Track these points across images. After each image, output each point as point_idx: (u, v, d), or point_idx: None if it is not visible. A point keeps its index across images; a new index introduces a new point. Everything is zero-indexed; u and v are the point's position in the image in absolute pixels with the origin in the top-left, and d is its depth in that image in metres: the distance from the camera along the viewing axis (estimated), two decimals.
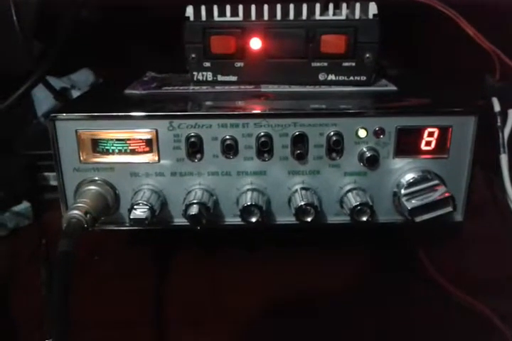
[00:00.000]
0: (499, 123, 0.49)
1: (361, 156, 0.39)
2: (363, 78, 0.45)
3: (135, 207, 0.38)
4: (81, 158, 0.39)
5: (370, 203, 0.38)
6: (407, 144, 0.39)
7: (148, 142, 0.39)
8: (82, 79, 0.69)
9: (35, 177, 0.55)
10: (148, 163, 0.40)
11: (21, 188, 0.53)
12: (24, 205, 0.51)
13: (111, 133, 0.39)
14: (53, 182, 0.54)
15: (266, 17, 0.44)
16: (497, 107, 0.49)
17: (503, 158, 0.47)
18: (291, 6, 0.44)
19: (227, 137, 0.39)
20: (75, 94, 0.65)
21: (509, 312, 0.41)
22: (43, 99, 0.64)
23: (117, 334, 0.41)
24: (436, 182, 0.39)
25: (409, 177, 0.40)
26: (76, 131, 0.39)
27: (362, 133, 0.39)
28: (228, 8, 0.44)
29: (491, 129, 0.50)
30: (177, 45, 0.46)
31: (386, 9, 0.44)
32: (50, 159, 0.41)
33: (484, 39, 0.50)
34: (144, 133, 0.39)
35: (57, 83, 0.63)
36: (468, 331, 0.41)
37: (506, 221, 0.48)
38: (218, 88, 0.46)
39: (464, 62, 0.57)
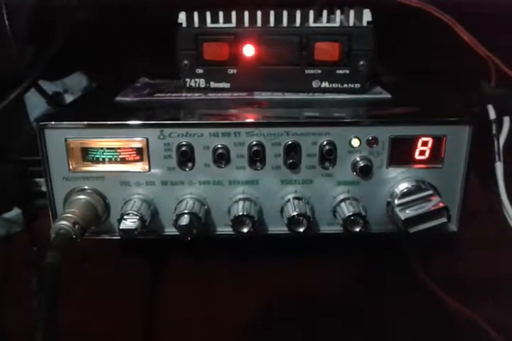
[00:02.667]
0: (494, 131, 0.48)
1: (354, 166, 0.39)
2: (357, 86, 0.44)
3: (125, 217, 0.38)
4: (70, 167, 0.39)
5: (363, 213, 0.38)
6: (400, 154, 0.39)
7: (139, 151, 0.39)
8: (75, 83, 0.68)
9: (26, 183, 0.54)
10: (138, 171, 0.39)
11: (12, 194, 0.52)
12: (15, 212, 0.51)
13: (101, 141, 0.38)
14: (45, 188, 0.54)
15: (259, 24, 0.44)
16: (492, 115, 0.49)
17: (498, 167, 0.47)
18: (285, 13, 0.44)
19: (219, 146, 0.39)
20: (68, 98, 0.65)
21: (504, 323, 0.41)
22: (35, 104, 0.63)
23: None
24: (430, 192, 0.39)
25: (403, 187, 0.39)
26: (65, 140, 0.38)
27: (355, 142, 0.39)
28: (221, 14, 0.44)
29: (486, 137, 0.49)
30: (171, 50, 0.46)
31: (382, 15, 0.43)
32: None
33: (480, 45, 0.49)
34: (134, 141, 0.39)
35: (50, 87, 0.63)
36: (461, 338, 0.41)
37: (502, 229, 0.48)
38: (211, 95, 0.46)
39: (460, 69, 0.57)
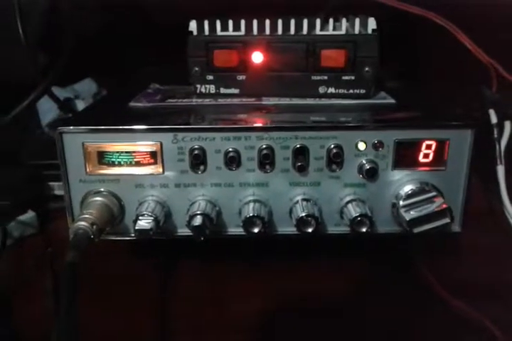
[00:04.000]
0: (496, 135, 0.49)
1: (361, 168, 0.40)
2: (362, 91, 0.46)
3: (140, 218, 0.39)
4: (87, 170, 0.40)
5: (370, 214, 0.39)
6: (405, 157, 0.40)
7: (153, 154, 0.40)
8: (85, 89, 0.69)
9: (40, 186, 0.55)
10: (152, 174, 0.40)
11: (26, 198, 0.53)
12: (29, 214, 0.52)
13: (116, 145, 0.40)
14: (58, 192, 0.55)
15: (267, 32, 0.45)
16: (494, 119, 0.50)
17: (500, 169, 0.48)
18: (292, 21, 0.45)
19: (230, 149, 0.40)
20: (79, 103, 0.66)
21: (506, 321, 0.42)
22: (47, 109, 0.64)
23: None
24: (434, 193, 0.40)
25: (408, 188, 0.40)
26: (83, 144, 0.40)
27: (361, 145, 0.40)
28: (231, 22, 0.45)
29: (488, 140, 0.50)
30: (179, 57, 0.47)
31: (386, 22, 0.45)
32: (55, 169, 0.42)
33: (482, 52, 0.50)
34: (148, 145, 0.40)
35: (61, 93, 0.64)
36: (467, 338, 0.42)
37: (503, 231, 0.49)
38: (221, 100, 0.47)
39: (462, 75, 0.58)
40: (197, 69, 0.46)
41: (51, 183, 0.55)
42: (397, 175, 0.41)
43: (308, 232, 0.39)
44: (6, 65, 0.61)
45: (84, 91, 0.69)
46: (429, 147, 0.40)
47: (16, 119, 0.52)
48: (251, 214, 0.39)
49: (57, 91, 0.61)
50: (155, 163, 0.40)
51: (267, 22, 0.45)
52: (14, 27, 0.53)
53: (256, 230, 0.39)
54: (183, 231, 0.41)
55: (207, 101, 0.47)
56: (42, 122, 0.65)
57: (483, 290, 0.46)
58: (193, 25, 0.46)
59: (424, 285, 0.45)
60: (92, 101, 0.66)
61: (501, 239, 0.49)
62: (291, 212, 0.41)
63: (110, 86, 0.68)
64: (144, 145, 0.40)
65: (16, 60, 0.56)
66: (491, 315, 0.43)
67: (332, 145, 0.40)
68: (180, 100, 0.47)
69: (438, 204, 0.39)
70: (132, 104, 0.47)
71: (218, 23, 0.46)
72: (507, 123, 0.50)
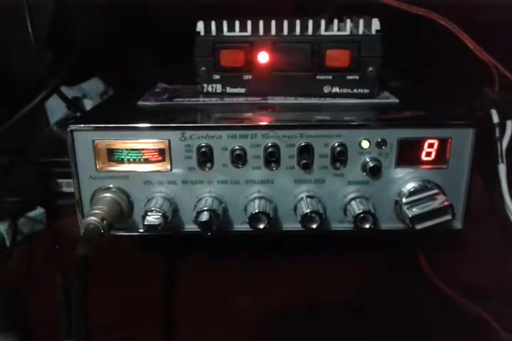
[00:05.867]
0: (498, 135, 0.50)
1: (364, 166, 0.41)
2: (366, 91, 0.46)
3: (148, 213, 0.40)
4: (97, 167, 0.41)
5: (373, 211, 0.40)
6: (408, 155, 0.41)
7: (161, 152, 0.41)
8: (92, 89, 0.70)
9: (48, 183, 0.56)
10: (160, 171, 0.41)
11: (35, 194, 0.55)
12: (38, 211, 0.53)
13: (126, 143, 0.41)
14: (66, 189, 0.56)
15: (273, 32, 0.46)
16: (496, 119, 0.50)
17: (502, 168, 0.48)
18: (298, 22, 0.46)
19: (237, 147, 0.41)
20: (87, 103, 0.67)
21: (506, 317, 0.43)
22: (55, 108, 0.65)
23: (129, 337, 0.42)
24: (436, 191, 0.40)
25: (410, 186, 0.41)
26: (93, 141, 0.40)
27: (365, 144, 0.41)
28: (237, 23, 0.46)
29: (490, 140, 0.51)
30: (186, 56, 0.48)
31: (390, 23, 0.45)
32: (63, 166, 0.43)
33: (484, 52, 0.51)
34: (157, 143, 0.41)
35: (69, 92, 0.65)
36: (467, 335, 0.43)
37: (504, 229, 0.49)
38: (227, 100, 0.47)
39: (465, 75, 0.58)
40: (204, 68, 0.47)
41: (59, 180, 0.56)
42: (400, 173, 0.41)
43: (313, 228, 0.40)
44: (16, 64, 0.62)
45: (92, 91, 0.70)
46: (431, 145, 0.41)
47: (26, 118, 0.53)
48: (256, 211, 0.40)
49: (65, 90, 0.62)
50: (163, 160, 0.41)
51: (273, 23, 0.46)
52: (24, 27, 0.54)
53: (261, 226, 0.40)
54: (191, 227, 0.42)
55: (213, 100, 0.48)
56: (50, 121, 0.66)
57: (484, 287, 0.46)
58: (200, 26, 0.46)
59: (425, 280, 0.46)
60: (99, 101, 0.67)
61: (502, 237, 0.49)
62: (295, 208, 0.41)
63: (117, 85, 0.69)
64: (153, 143, 0.41)
65: (25, 59, 0.57)
66: (489, 310, 0.44)
67: (336, 144, 0.41)
68: (187, 99, 0.48)
69: (440, 201, 0.40)
70: (141, 102, 0.47)
71: (225, 24, 0.46)
72: (509, 123, 0.51)
